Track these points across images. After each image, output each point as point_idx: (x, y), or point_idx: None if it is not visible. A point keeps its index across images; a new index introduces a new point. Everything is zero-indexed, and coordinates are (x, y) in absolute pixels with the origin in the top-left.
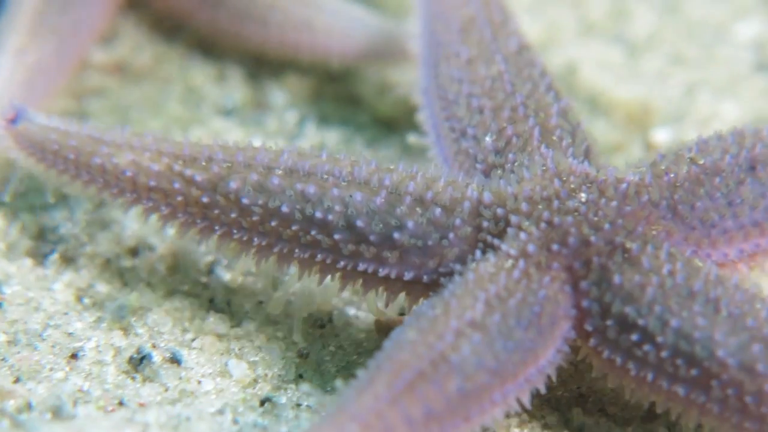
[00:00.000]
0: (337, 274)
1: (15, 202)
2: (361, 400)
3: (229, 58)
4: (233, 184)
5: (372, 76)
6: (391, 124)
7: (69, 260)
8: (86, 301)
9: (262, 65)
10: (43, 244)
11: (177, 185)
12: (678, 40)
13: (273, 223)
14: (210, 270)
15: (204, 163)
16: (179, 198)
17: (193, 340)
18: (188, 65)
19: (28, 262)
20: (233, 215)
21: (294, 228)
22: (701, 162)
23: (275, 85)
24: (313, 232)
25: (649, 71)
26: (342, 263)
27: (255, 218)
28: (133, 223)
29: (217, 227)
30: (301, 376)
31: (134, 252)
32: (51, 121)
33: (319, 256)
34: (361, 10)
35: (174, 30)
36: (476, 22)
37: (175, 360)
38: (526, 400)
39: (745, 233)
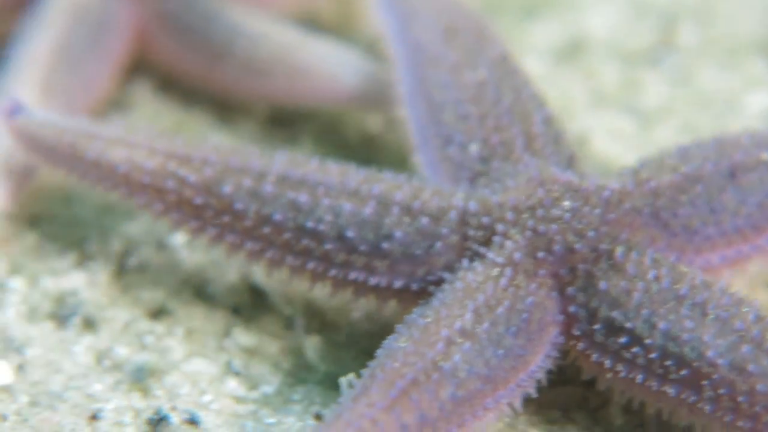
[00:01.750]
0: (328, 282)
1: (36, 266)
2: (356, 407)
3: (242, 120)
4: (227, 189)
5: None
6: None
7: (89, 323)
8: (106, 363)
9: (275, 126)
10: (64, 307)
11: (170, 184)
12: (689, 110)
13: (265, 230)
14: (227, 333)
15: (197, 164)
16: (172, 197)
17: (211, 402)
18: (206, 129)
19: (49, 324)
20: (226, 219)
21: (286, 236)
22: (683, 169)
23: (289, 146)
24: (304, 241)
25: (661, 141)
26: (333, 272)
27: (247, 223)
28: (152, 288)
29: (209, 228)
30: None
31: (153, 315)
32: (47, 115)
33: (310, 265)
34: (359, 59)
35: (189, 94)
36: (458, 29)
37: (193, 422)
38: (518, 405)
39: (727, 240)
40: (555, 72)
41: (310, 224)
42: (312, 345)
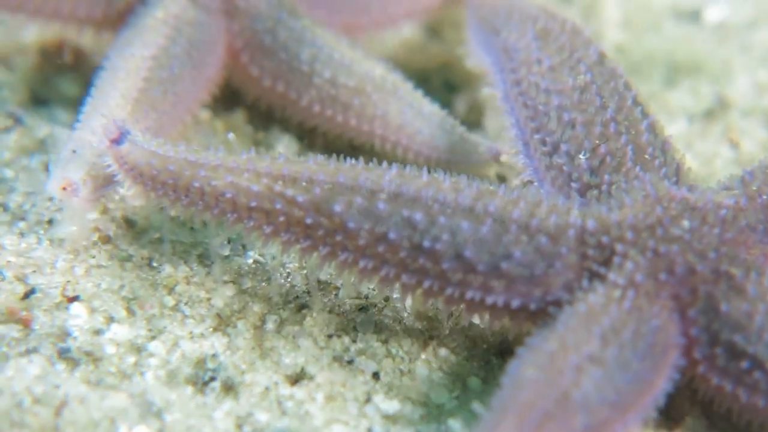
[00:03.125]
0: (441, 299)
1: (175, 329)
2: None
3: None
4: (338, 207)
5: None
6: None
7: (229, 388)
8: (246, 429)
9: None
10: (203, 372)
11: (279, 206)
12: None
13: (380, 248)
14: (367, 399)
15: (305, 184)
16: (281, 218)
17: None
18: None
19: (189, 389)
20: (338, 237)
21: (401, 254)
22: None
23: None
24: (421, 260)
25: None
26: (449, 291)
27: (361, 242)
28: (291, 352)
29: (321, 247)
30: None
31: (293, 380)
32: (150, 143)
33: (426, 283)
34: (436, 110)
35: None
36: (550, 32)
37: None
38: (639, 428)
39: None
40: (697, 134)
41: (427, 243)
42: (455, 412)
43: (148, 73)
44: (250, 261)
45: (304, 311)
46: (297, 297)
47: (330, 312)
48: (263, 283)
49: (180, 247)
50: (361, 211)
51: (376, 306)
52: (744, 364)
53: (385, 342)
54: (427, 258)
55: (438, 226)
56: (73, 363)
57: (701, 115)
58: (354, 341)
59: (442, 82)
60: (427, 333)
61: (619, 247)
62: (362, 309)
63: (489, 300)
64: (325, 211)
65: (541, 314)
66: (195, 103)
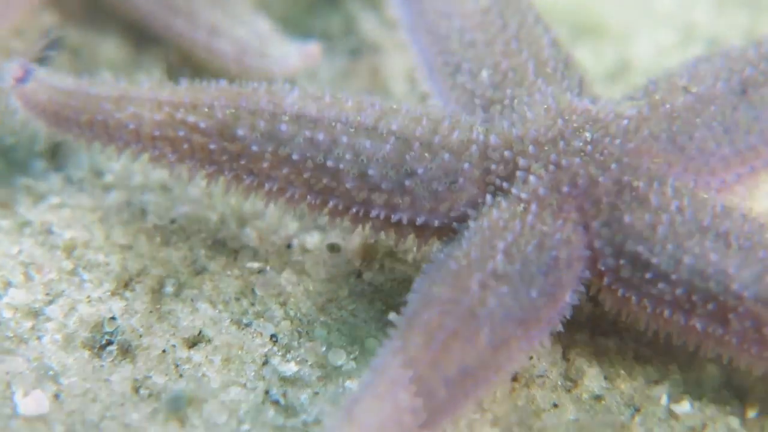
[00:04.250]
0: (347, 218)
1: (72, 293)
2: (399, 363)
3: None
4: (240, 131)
5: None
6: None
7: (126, 351)
8: (143, 392)
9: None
10: (101, 336)
11: (182, 133)
12: None
13: (284, 170)
14: (265, 361)
15: (207, 110)
16: (185, 145)
17: (249, 431)
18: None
19: (86, 353)
20: (242, 162)
21: (305, 175)
22: (695, 90)
23: None
24: (325, 180)
25: None
26: (354, 209)
27: (265, 165)
28: (189, 316)
29: (226, 172)
30: None
31: (190, 343)
32: (54, 80)
33: (331, 203)
34: (258, 21)
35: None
36: None
37: None
38: (546, 342)
39: (741, 158)
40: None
41: (330, 163)
42: (353, 374)
43: None
44: (150, 225)
45: (203, 275)
46: (196, 261)
47: (228, 275)
48: (162, 247)
49: (79, 212)
50: (263, 134)
51: (274, 269)
52: (648, 275)
53: (283, 304)
54: (331, 178)
55: (341, 146)
56: None
57: (604, 77)
58: (252, 304)
59: (349, 48)
60: (325, 295)
61: (521, 162)
62: (261, 272)
63: (394, 217)
64: (228, 135)
65: (447, 230)
66: (27, 4)
